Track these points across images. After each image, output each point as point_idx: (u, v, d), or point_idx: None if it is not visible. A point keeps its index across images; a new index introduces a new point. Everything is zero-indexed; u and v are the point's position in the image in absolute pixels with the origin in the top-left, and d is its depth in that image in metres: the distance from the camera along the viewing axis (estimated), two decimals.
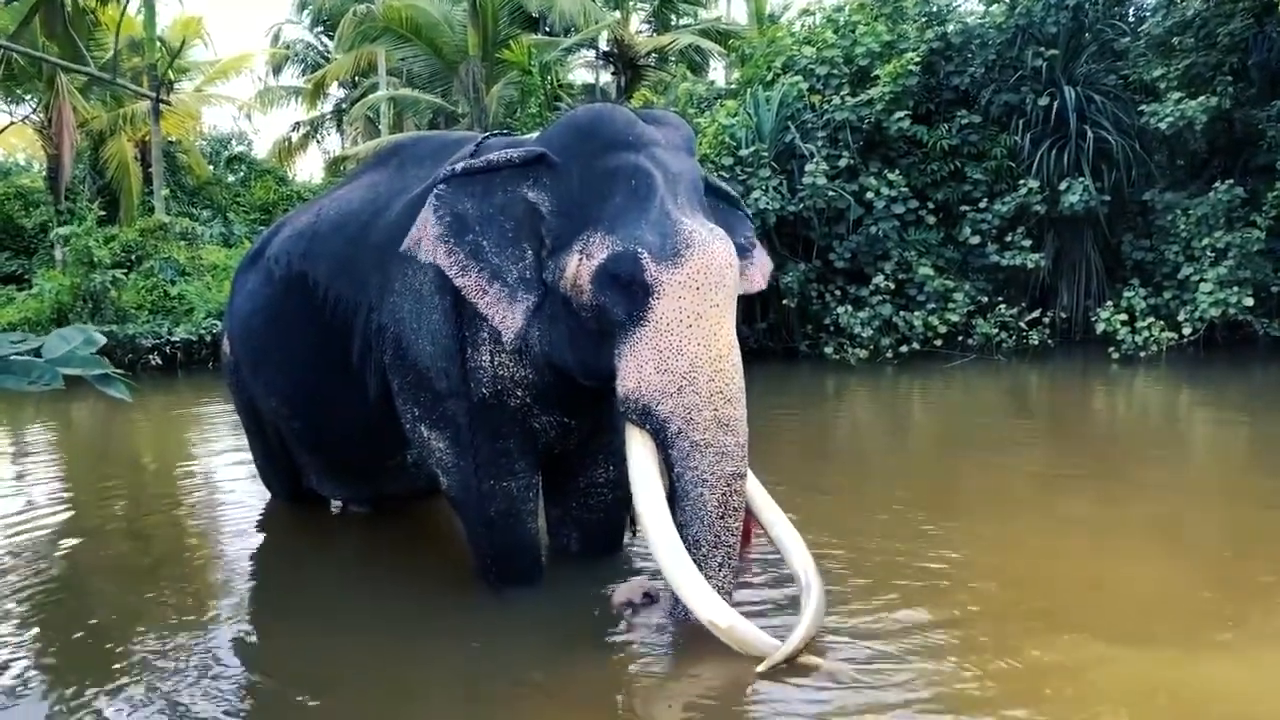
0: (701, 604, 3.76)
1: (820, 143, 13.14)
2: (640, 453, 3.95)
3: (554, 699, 3.68)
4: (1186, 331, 12.36)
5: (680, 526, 3.84)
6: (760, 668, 3.64)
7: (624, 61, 20.25)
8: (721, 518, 3.83)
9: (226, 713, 3.56)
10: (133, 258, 15.66)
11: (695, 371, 3.78)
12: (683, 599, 3.82)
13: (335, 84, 26.07)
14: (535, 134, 4.66)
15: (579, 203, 4.01)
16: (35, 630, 4.43)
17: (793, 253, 13.19)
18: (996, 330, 13.05)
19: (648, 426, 3.88)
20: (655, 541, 3.86)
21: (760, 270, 4.60)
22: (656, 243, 3.80)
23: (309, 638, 4.23)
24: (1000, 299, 13.26)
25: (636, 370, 3.84)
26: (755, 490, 4.12)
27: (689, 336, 3.78)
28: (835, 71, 13.74)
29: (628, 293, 3.83)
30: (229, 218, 21.63)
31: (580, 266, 3.93)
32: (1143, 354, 12.31)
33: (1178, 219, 12.78)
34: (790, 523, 4.16)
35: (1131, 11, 14.39)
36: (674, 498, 3.87)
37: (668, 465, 3.88)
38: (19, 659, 4.10)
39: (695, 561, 3.82)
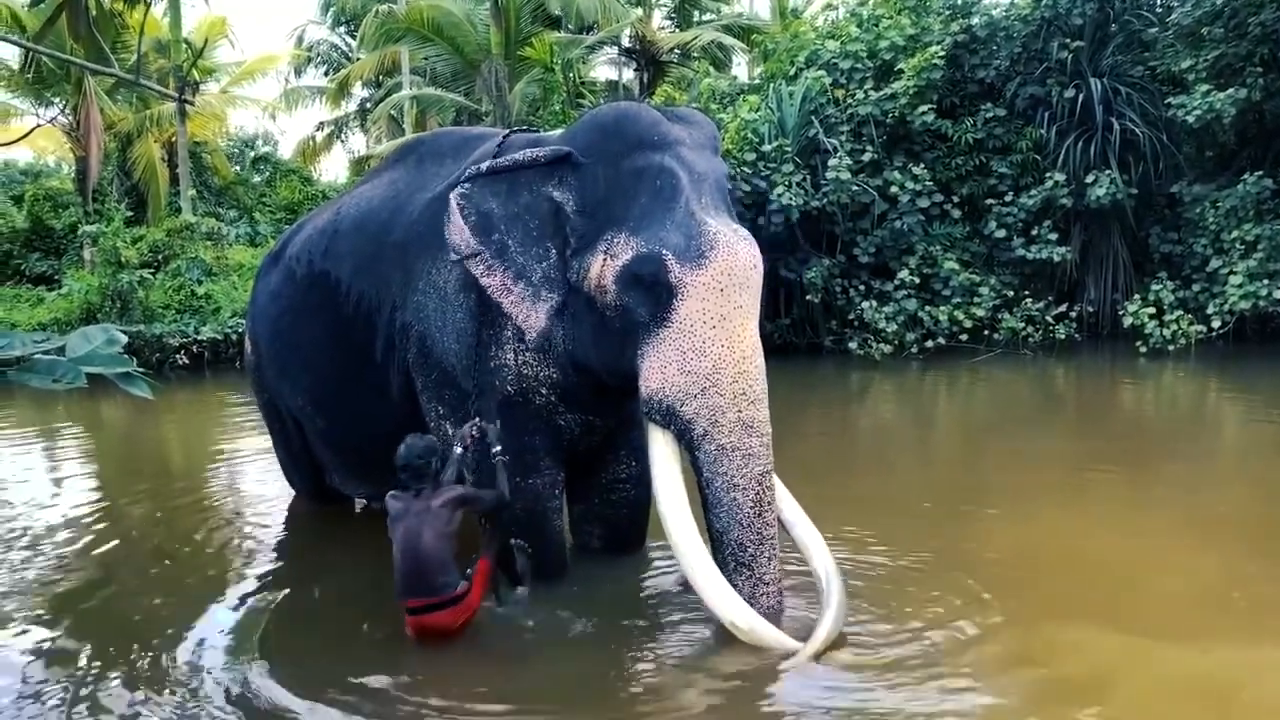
0: (723, 605, 3.77)
1: (844, 137, 13.07)
2: (662, 453, 3.96)
3: (579, 692, 3.69)
4: (1215, 325, 12.23)
5: (720, 533, 3.87)
6: (783, 667, 3.63)
7: (646, 58, 20.24)
8: (759, 516, 3.85)
9: (246, 709, 3.59)
10: (160, 258, 15.77)
11: (719, 373, 3.78)
12: (705, 600, 3.83)
13: (359, 84, 26.19)
14: (558, 131, 4.66)
15: (603, 202, 4.02)
16: (64, 621, 4.49)
17: (816, 248, 13.14)
18: (1023, 324, 12.96)
19: (672, 428, 3.89)
20: (677, 542, 3.88)
21: None
22: (681, 244, 3.80)
23: (330, 632, 4.25)
24: (1026, 293, 13.16)
25: (660, 371, 3.84)
26: (777, 490, 4.11)
27: (713, 338, 3.79)
28: (859, 65, 13.66)
29: (652, 293, 3.84)
30: (255, 218, 21.75)
31: (604, 267, 3.94)
32: (1171, 348, 12.19)
33: (1206, 211, 12.64)
34: (811, 522, 4.16)
35: (1159, 1, 14.21)
36: (705, 503, 3.88)
37: (695, 468, 3.89)
38: (48, 648, 4.17)
39: (744, 562, 3.85)
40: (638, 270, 3.85)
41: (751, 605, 3.82)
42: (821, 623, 3.78)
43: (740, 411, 3.80)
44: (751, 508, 3.83)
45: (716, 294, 3.80)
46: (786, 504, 4.16)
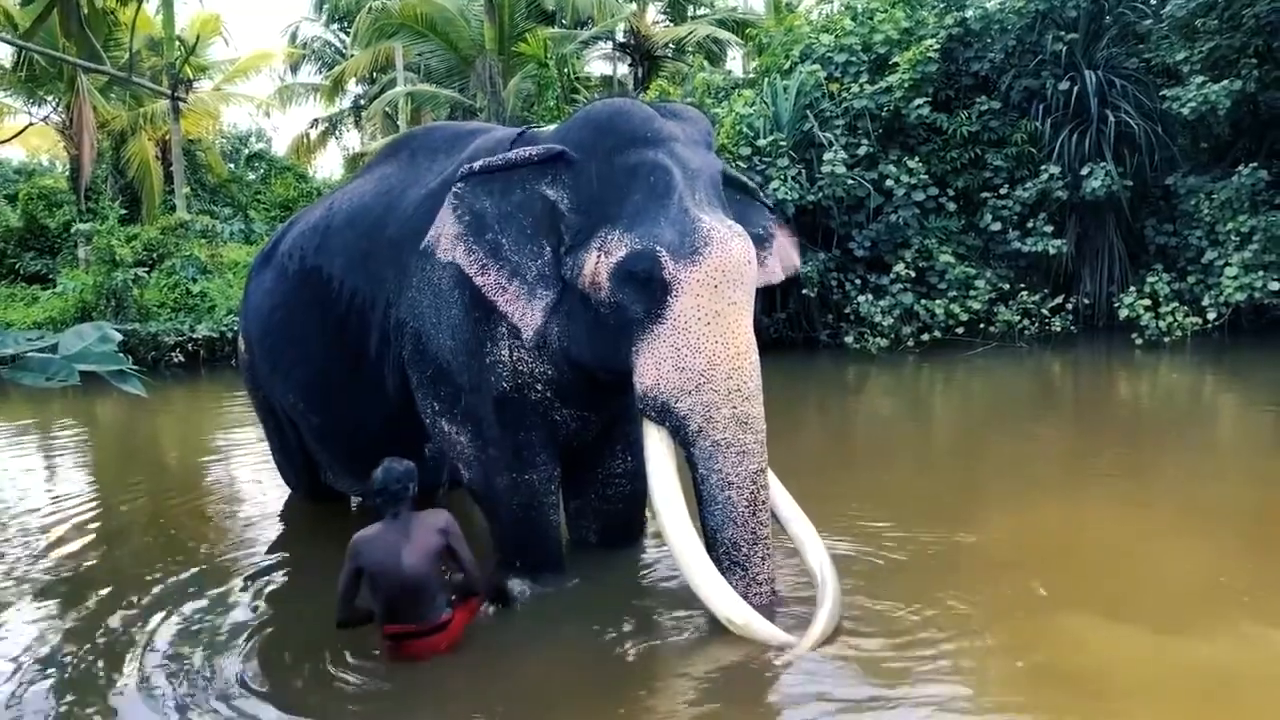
0: (718, 601, 3.78)
1: (839, 131, 13.06)
2: (657, 449, 3.97)
3: (574, 687, 3.69)
4: (1211, 316, 12.23)
5: (714, 531, 3.89)
6: (779, 661, 3.63)
7: (641, 53, 20.22)
8: (753, 515, 3.88)
9: (239, 708, 3.57)
10: (154, 256, 15.77)
11: (713, 369, 3.79)
12: (700, 596, 3.83)
13: (353, 80, 26.09)
14: (552, 127, 4.64)
15: (597, 199, 4.02)
16: (56, 618, 4.48)
17: (812, 242, 13.11)
18: (1019, 317, 12.95)
19: (667, 424, 3.90)
20: (672, 538, 3.89)
21: (779, 260, 4.60)
22: (675, 240, 3.81)
23: (326, 630, 4.23)
24: (1022, 286, 13.16)
25: (655, 367, 3.85)
26: (772, 486, 4.11)
27: (707, 334, 3.79)
28: (853, 59, 13.65)
29: (646, 290, 3.84)
30: (249, 215, 21.72)
31: (599, 264, 3.94)
32: (1167, 339, 12.19)
33: (1201, 203, 12.64)
34: (807, 519, 4.16)
35: None
36: (700, 500, 3.90)
37: (690, 464, 3.91)
38: (39, 644, 4.16)
39: (738, 561, 3.88)
40: (632, 267, 3.85)
41: None
42: (817, 617, 3.78)
43: (735, 407, 3.81)
44: (746, 506, 3.85)
45: (710, 290, 3.80)
46: (781, 499, 4.17)
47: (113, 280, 14.12)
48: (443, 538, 3.78)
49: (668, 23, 22.16)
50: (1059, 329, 12.97)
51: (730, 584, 3.83)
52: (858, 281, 13.15)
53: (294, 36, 29.91)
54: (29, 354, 2.66)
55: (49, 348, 2.71)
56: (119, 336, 2.86)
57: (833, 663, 3.64)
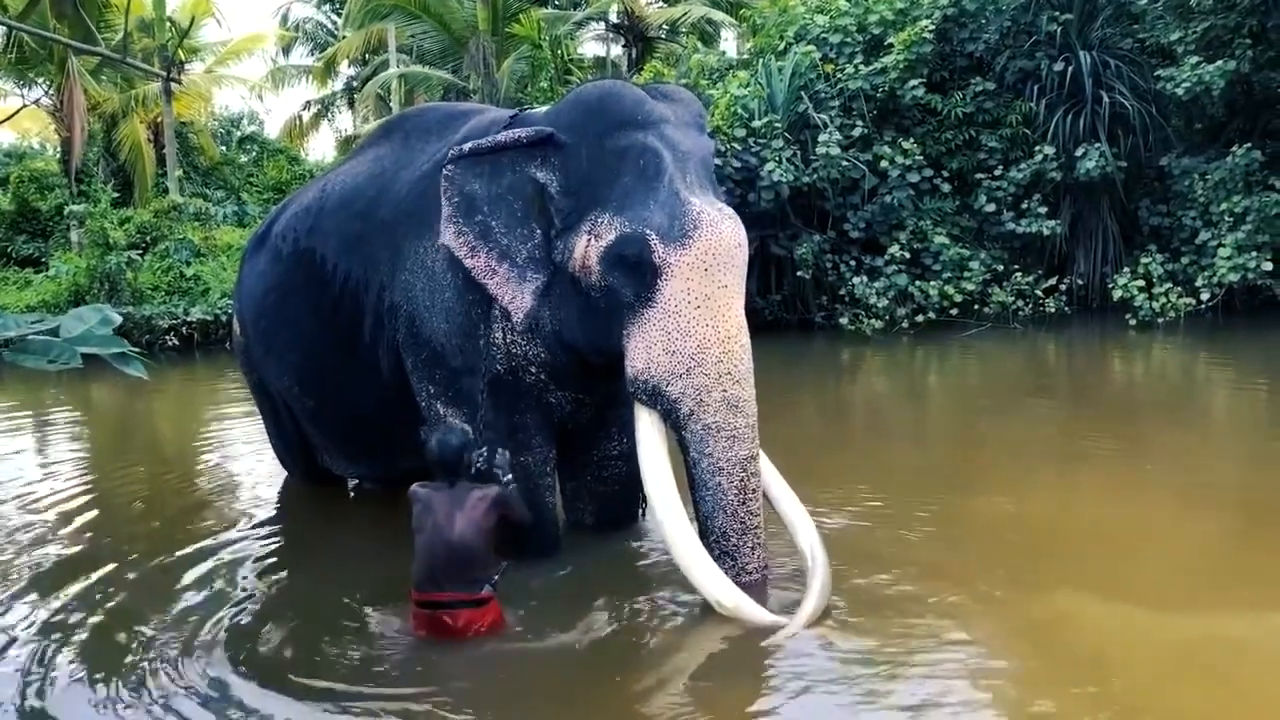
0: (708, 583, 3.80)
1: (834, 112, 13.04)
2: (649, 432, 3.99)
3: (569, 666, 3.71)
4: (1205, 297, 12.24)
5: (705, 518, 3.92)
6: (768, 643, 3.65)
7: (634, 34, 20.14)
8: (743, 503, 3.90)
9: (235, 698, 3.56)
10: (147, 239, 15.74)
11: (704, 353, 3.80)
12: (690, 578, 3.86)
13: (345, 62, 25.97)
14: (544, 109, 4.64)
15: (587, 182, 4.02)
16: (51, 604, 4.46)
17: (807, 223, 13.12)
18: (1013, 298, 12.96)
19: (658, 407, 3.92)
20: (663, 521, 3.90)
21: None
22: (665, 223, 3.81)
23: (323, 617, 4.24)
24: (1016, 267, 13.17)
25: (645, 351, 3.86)
26: (764, 466, 4.13)
27: (697, 318, 3.81)
28: (848, 40, 13.61)
29: (636, 274, 3.86)
30: (242, 198, 21.65)
31: (589, 247, 3.95)
32: (1160, 320, 12.21)
33: (1195, 184, 12.64)
34: (797, 498, 4.18)
35: None
36: (692, 485, 3.92)
37: (681, 448, 3.92)
38: (34, 630, 4.15)
39: (727, 550, 3.90)
40: (621, 250, 3.86)
41: None
42: (807, 598, 3.80)
43: (726, 391, 3.83)
44: (736, 494, 3.87)
45: (701, 274, 3.81)
46: (773, 480, 4.18)
47: (106, 263, 14.09)
48: (494, 513, 3.80)
49: (661, 4, 22.04)
50: (1053, 310, 12.99)
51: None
52: (852, 263, 13.15)
53: (285, 18, 29.72)
54: (30, 337, 2.66)
55: (50, 330, 2.71)
56: (119, 319, 2.86)
57: (823, 643, 3.66)
